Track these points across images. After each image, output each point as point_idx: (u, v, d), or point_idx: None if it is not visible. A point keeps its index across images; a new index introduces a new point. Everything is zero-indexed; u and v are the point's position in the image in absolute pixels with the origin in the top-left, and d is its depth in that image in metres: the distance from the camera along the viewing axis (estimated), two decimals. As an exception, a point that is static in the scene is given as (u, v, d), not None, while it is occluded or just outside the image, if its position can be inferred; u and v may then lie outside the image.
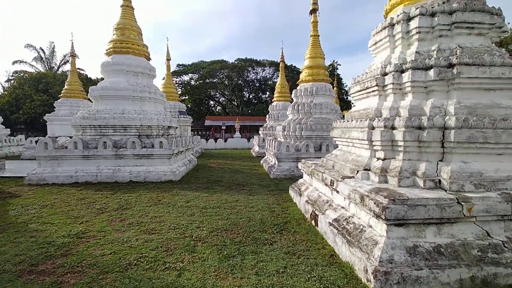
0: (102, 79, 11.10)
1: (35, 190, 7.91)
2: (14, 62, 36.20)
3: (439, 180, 3.66)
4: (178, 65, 49.74)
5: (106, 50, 10.70)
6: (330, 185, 4.76)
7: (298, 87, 12.49)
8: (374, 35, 5.17)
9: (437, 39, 4.30)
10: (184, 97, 50.25)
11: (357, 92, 5.27)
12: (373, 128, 4.29)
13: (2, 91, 36.93)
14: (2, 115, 25.49)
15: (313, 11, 11.76)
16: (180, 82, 49.92)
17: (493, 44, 4.41)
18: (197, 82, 49.24)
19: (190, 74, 49.79)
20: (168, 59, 21.23)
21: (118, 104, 10.07)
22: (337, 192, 4.51)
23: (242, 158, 17.59)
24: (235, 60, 49.22)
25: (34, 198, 7.09)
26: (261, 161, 14.21)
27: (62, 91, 20.32)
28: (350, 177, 4.39)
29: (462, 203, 3.21)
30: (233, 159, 16.98)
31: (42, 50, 37.19)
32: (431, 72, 3.96)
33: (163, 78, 22.47)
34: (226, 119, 43.60)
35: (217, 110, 57.11)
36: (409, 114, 4.00)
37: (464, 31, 4.19)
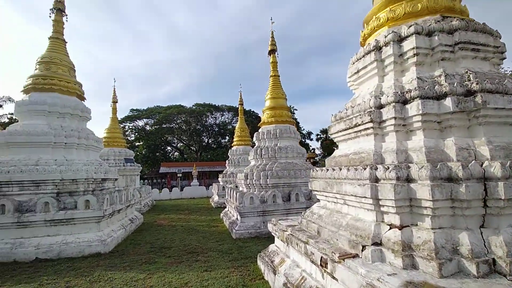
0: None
1: None
2: None
3: (493, 260, 2.37)
4: (132, 110, 47.20)
5: (24, 88, 8.63)
6: (322, 265, 3.22)
7: (260, 130, 11.41)
8: (354, 63, 4.21)
9: (439, 63, 3.39)
10: (138, 143, 46.94)
11: (341, 131, 4.09)
12: (377, 180, 3.00)
13: None
14: None
15: (272, 51, 11.30)
16: (134, 127, 46.98)
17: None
18: (153, 128, 46.73)
19: (145, 119, 47.35)
20: (114, 101, 19.18)
21: (31, 152, 7.74)
22: (335, 279, 2.97)
23: (200, 210, 15.35)
24: (193, 105, 48.40)
25: None
26: (221, 214, 12.24)
27: None
28: (352, 256, 2.92)
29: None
30: (189, 212, 14.67)
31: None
32: (448, 102, 2.91)
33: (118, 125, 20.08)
34: (182, 165, 40.86)
35: (174, 156, 54.11)
36: (428, 159, 2.81)
37: (470, 54, 3.35)
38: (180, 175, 32.50)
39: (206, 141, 51.00)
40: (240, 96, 21.46)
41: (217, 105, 48.65)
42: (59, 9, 9.34)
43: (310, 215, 4.45)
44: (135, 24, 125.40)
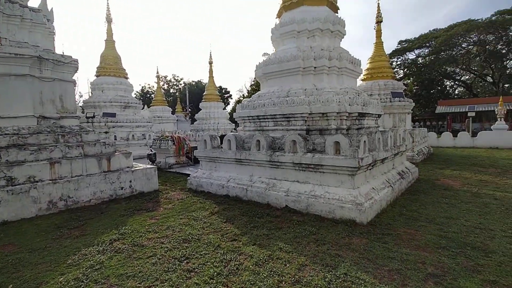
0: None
1: (178, 203, 5.90)
2: None
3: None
4: (400, 42, 38.91)
5: (278, 12, 7.80)
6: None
7: None
8: None
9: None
10: (407, 80, 40.08)
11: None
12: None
13: None
14: None
15: None
16: (402, 62, 40.01)
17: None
18: (427, 59, 37.35)
19: (416, 51, 38.03)
20: (379, 22, 14.04)
21: (283, 82, 6.93)
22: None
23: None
24: (492, 15, 31.65)
25: (157, 221, 4.86)
26: None
27: None
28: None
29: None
30: (499, 172, 8.56)
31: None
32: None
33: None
34: (471, 102, 30.54)
35: (455, 92, 42.03)
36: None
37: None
38: (473, 114, 22.67)
39: (514, 67, 32.73)
40: None
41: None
42: None
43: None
44: None
